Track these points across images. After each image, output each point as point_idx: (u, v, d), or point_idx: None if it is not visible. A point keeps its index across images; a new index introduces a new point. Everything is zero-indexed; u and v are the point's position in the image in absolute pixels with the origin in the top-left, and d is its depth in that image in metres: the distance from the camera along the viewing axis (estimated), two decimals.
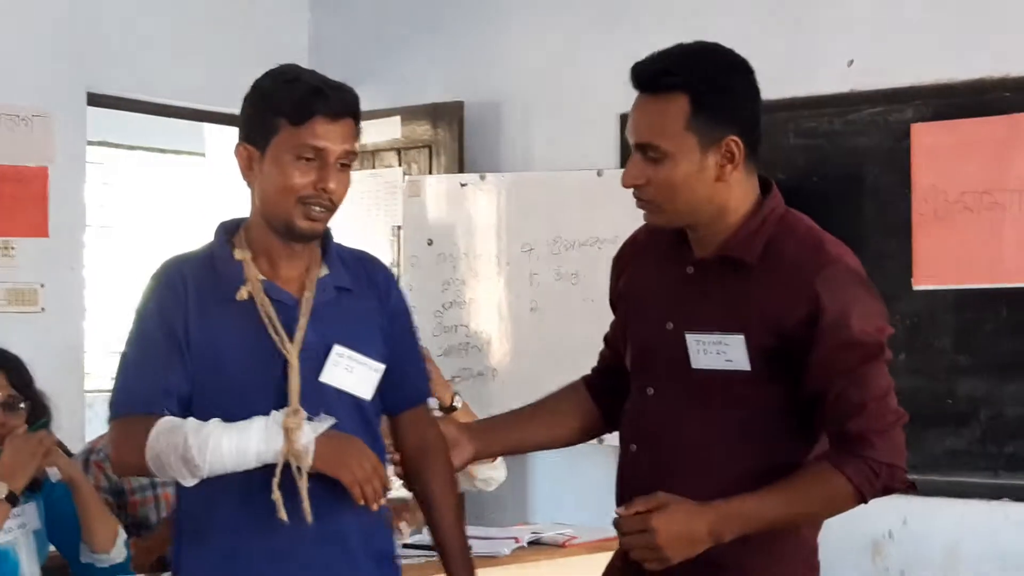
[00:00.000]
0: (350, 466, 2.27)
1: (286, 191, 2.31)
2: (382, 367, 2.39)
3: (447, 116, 5.72)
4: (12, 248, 5.23)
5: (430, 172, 5.77)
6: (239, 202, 7.51)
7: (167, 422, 2.29)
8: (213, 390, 2.33)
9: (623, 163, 5.29)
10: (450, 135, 5.73)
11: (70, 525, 3.21)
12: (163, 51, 5.70)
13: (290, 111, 2.31)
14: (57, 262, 5.36)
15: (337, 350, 2.35)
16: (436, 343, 5.32)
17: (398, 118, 5.82)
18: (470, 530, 3.84)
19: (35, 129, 5.30)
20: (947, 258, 4.70)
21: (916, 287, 4.75)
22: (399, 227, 5.79)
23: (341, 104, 2.33)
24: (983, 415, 4.64)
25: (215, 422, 2.28)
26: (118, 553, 3.23)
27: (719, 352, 2.28)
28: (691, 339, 2.30)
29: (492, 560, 3.63)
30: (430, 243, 5.57)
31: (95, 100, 5.53)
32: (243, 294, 2.34)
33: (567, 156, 5.26)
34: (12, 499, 3.07)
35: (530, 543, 3.82)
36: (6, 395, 3.19)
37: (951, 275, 4.70)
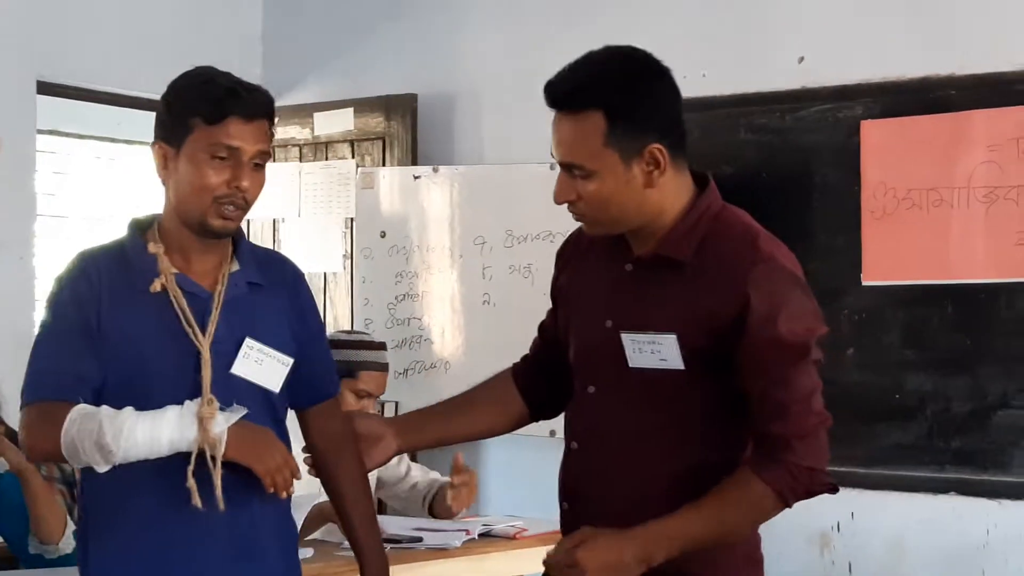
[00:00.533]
0: (262, 456, 2.33)
1: (201, 190, 2.36)
2: (290, 361, 2.44)
3: (400, 108, 5.71)
4: None
5: (383, 164, 5.77)
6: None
7: (82, 409, 2.32)
8: (125, 381, 2.37)
9: None
10: (403, 127, 5.73)
11: (18, 516, 3.20)
12: (115, 40, 5.66)
13: (205, 111, 2.36)
14: (6, 251, 5.32)
15: (248, 343, 2.41)
16: (388, 335, 5.32)
17: (351, 110, 5.81)
18: (421, 522, 3.85)
19: None
20: (895, 254, 4.74)
21: (865, 283, 4.78)
22: (352, 219, 5.78)
23: (255, 105, 2.39)
24: (930, 410, 4.68)
25: (129, 410, 2.30)
26: (66, 544, 3.22)
27: (653, 351, 2.28)
28: (626, 338, 2.30)
29: (443, 552, 3.63)
30: (383, 235, 5.57)
31: (45, 88, 5.48)
32: (156, 286, 2.38)
33: (520, 149, 5.26)
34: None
35: (481, 535, 3.82)
36: None
37: (899, 271, 4.74)
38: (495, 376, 2.65)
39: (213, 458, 2.30)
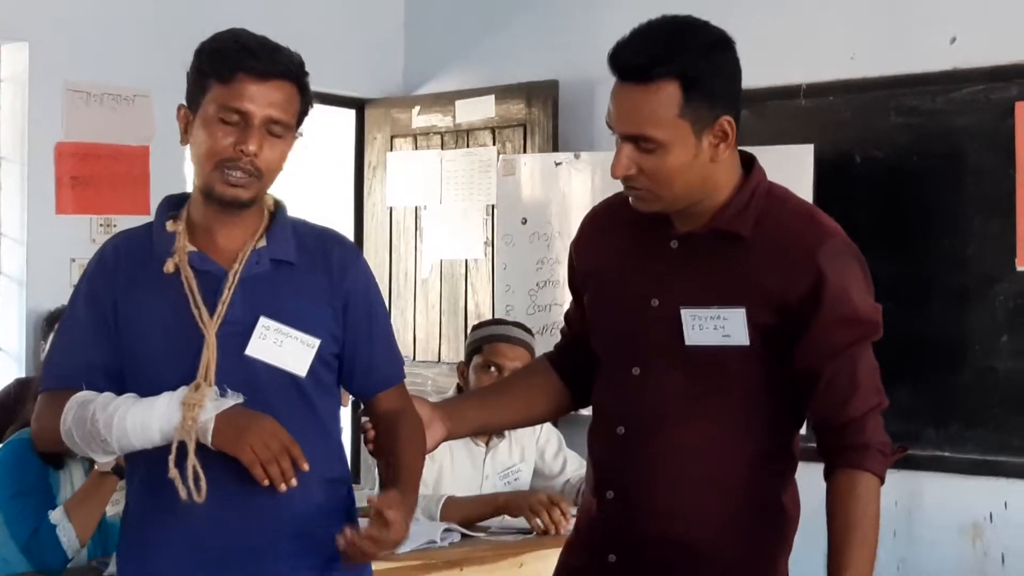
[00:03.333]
0: (251, 444, 2.12)
1: (207, 154, 2.20)
2: (316, 342, 2.24)
3: (541, 95, 5.70)
4: (114, 225, 5.31)
5: (524, 151, 5.76)
6: (335, 181, 7.52)
7: (80, 396, 2.22)
8: (136, 366, 2.24)
9: None
10: (544, 114, 5.72)
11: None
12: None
13: (217, 68, 2.21)
14: None
15: (263, 322, 2.22)
16: (529, 322, 5.31)
17: (492, 97, 5.82)
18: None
19: (136, 108, 5.39)
20: None
21: (1020, 268, 4.66)
22: (493, 206, 5.79)
23: (271, 64, 2.21)
24: None
25: (126, 397, 2.19)
26: (83, 554, 3.26)
27: (716, 327, 2.22)
28: (686, 314, 2.23)
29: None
30: (524, 222, 5.57)
31: None
32: (169, 266, 2.24)
33: None
34: (119, 471, 3.11)
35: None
36: None
37: None
38: (530, 365, 2.64)
39: (201, 446, 2.13)
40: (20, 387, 4.61)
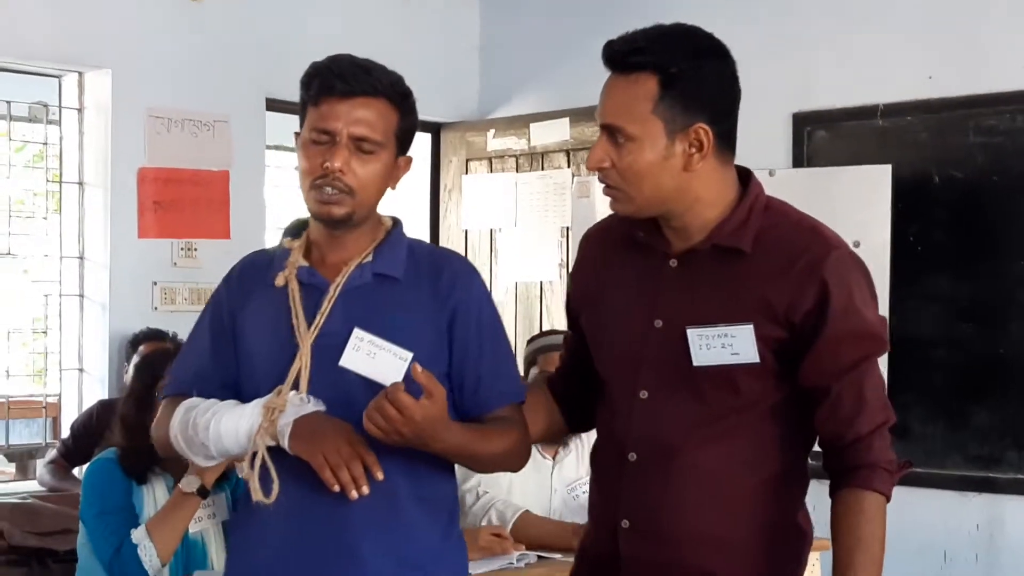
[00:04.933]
0: (322, 449, 2.15)
1: (303, 174, 2.28)
2: (409, 355, 2.23)
3: None
4: (195, 249, 5.40)
5: None
6: (413, 204, 7.58)
7: (188, 402, 2.30)
8: (247, 374, 2.31)
9: (796, 163, 5.23)
10: None
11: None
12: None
13: (311, 93, 2.29)
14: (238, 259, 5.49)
15: (357, 334, 2.24)
16: None
17: (567, 119, 5.84)
18: None
19: (216, 134, 5.47)
20: None
21: None
22: (568, 228, 5.80)
23: (355, 83, 2.25)
24: None
25: (226, 403, 2.27)
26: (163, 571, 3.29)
27: (724, 345, 2.16)
28: (692, 334, 2.18)
29: None
30: None
31: (273, 105, 5.67)
32: (280, 280, 2.31)
33: (738, 155, 5.20)
34: (203, 492, 3.16)
35: None
36: None
37: None
38: (530, 384, 2.55)
39: (277, 449, 2.19)
40: (104, 408, 4.69)
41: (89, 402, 5.18)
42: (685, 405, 2.21)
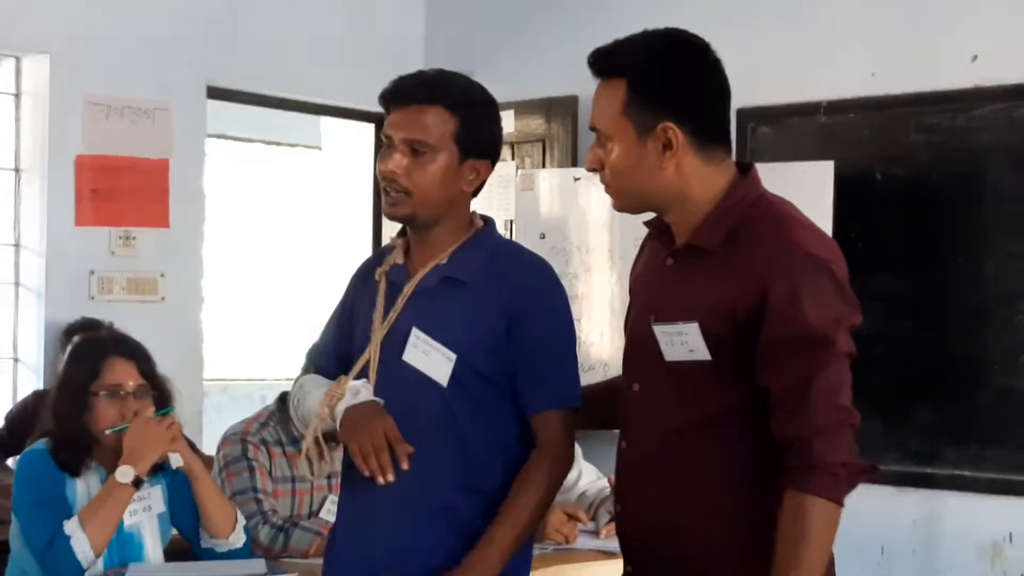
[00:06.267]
0: (358, 437, 2.34)
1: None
2: (453, 356, 2.40)
3: (561, 110, 5.70)
4: (134, 238, 5.33)
5: (543, 166, 5.76)
6: (354, 195, 7.58)
7: (303, 378, 2.58)
8: (352, 358, 2.51)
9: (739, 158, 5.24)
10: (564, 129, 5.72)
11: (192, 509, 3.26)
12: (280, 46, 5.77)
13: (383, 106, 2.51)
14: (177, 252, 5.46)
15: (415, 333, 2.43)
16: None
17: (512, 112, 5.82)
18: None
19: (156, 122, 5.40)
20: None
21: None
22: (512, 221, 5.79)
23: (405, 91, 2.46)
24: None
25: (318, 383, 2.50)
26: (236, 538, 3.28)
27: (682, 343, 2.23)
28: (658, 331, 2.27)
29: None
30: (543, 237, 5.57)
31: (214, 93, 5.61)
32: (378, 275, 2.52)
33: None
34: (137, 482, 3.12)
35: None
36: (136, 384, 3.23)
37: None
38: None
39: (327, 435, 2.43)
40: (38, 399, 4.63)
41: (24, 392, 5.11)
42: (665, 399, 2.29)
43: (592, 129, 2.32)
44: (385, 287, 2.49)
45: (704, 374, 2.23)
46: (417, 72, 2.50)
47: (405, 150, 2.42)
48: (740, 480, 2.24)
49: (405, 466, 2.32)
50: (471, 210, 2.53)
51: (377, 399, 2.40)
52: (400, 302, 2.46)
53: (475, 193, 2.52)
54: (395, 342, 2.44)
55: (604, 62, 2.30)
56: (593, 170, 2.33)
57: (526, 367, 2.42)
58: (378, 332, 2.46)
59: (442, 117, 2.42)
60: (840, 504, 2.16)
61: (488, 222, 2.54)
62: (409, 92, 2.45)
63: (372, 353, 2.46)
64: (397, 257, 2.51)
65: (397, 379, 2.42)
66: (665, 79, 2.26)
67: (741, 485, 2.24)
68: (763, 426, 2.21)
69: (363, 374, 2.46)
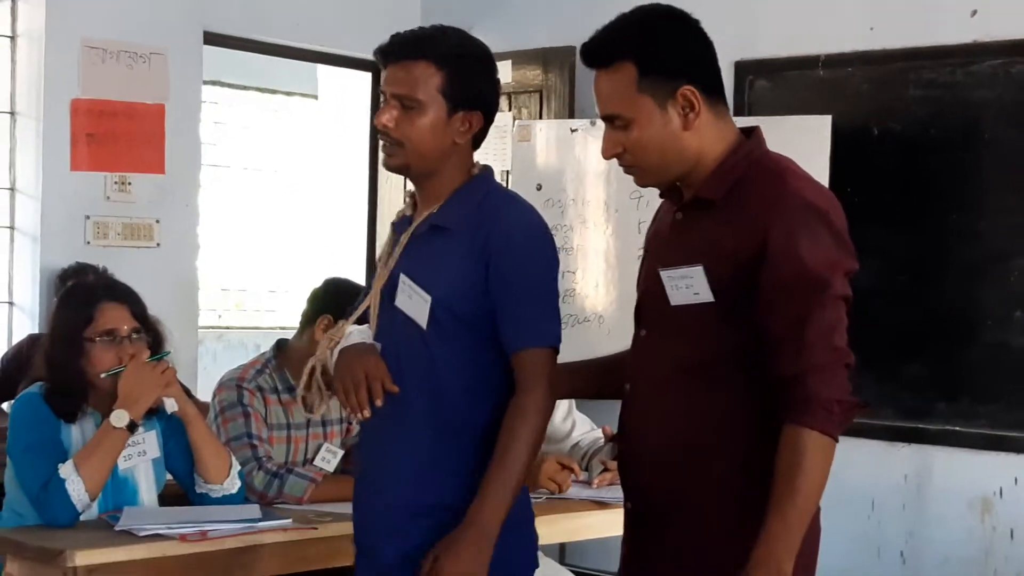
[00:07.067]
0: (341, 375, 2.47)
1: None
2: (428, 299, 2.48)
3: (558, 61, 5.68)
4: (129, 184, 5.33)
5: (540, 117, 5.75)
6: (351, 144, 7.54)
7: (354, 327, 2.62)
8: None
9: (737, 111, 5.23)
10: (561, 80, 5.70)
11: (187, 455, 3.28)
12: None
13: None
14: (173, 199, 5.45)
15: (403, 278, 2.52)
16: None
17: (509, 62, 5.80)
18: None
19: (152, 66, 5.38)
20: None
21: None
22: (508, 172, 5.78)
23: (391, 48, 2.54)
24: None
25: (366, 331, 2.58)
26: (231, 484, 3.29)
27: (687, 286, 2.33)
28: (664, 276, 2.37)
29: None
30: (539, 188, 5.56)
31: (211, 39, 5.59)
32: (389, 227, 2.65)
33: None
34: (132, 427, 3.13)
35: None
36: (130, 327, 3.24)
37: None
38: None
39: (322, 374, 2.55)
40: (34, 343, 4.63)
41: (18, 336, 5.12)
42: (666, 341, 2.39)
43: (605, 118, 2.38)
44: (391, 237, 2.60)
45: (708, 316, 2.31)
46: (411, 29, 2.56)
47: (396, 104, 2.50)
48: (741, 423, 2.30)
49: (379, 403, 2.42)
50: (474, 160, 2.58)
51: (374, 343, 2.50)
52: (397, 251, 2.56)
53: (476, 144, 2.57)
54: (391, 288, 2.54)
55: (602, 52, 2.38)
56: (613, 156, 2.39)
57: (503, 306, 2.47)
58: (379, 279, 2.57)
59: (428, 72, 2.49)
60: (835, 439, 2.23)
61: (484, 169, 2.59)
62: (397, 49, 2.52)
63: (373, 299, 2.56)
64: (407, 209, 2.60)
65: (389, 322, 2.53)
66: (670, 47, 2.37)
67: (741, 428, 2.30)
68: (764, 374, 2.27)
69: (366, 319, 2.59)
